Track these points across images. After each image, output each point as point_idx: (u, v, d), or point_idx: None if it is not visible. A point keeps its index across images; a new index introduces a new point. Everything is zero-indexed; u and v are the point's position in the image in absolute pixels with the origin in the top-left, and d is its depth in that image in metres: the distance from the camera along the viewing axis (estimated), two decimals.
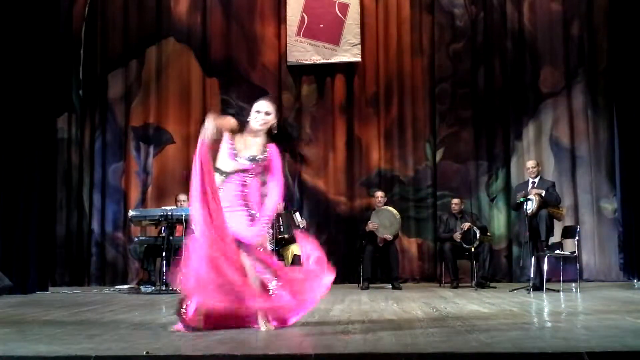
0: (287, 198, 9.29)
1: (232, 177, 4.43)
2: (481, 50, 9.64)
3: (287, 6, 9.69)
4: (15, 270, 7.80)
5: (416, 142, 9.63)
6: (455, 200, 8.82)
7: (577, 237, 7.93)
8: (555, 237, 7.92)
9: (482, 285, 8.11)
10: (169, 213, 7.81)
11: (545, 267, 7.56)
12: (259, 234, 4.44)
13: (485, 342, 3.75)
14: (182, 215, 7.52)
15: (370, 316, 5.25)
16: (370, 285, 8.43)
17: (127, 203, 9.50)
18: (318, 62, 9.64)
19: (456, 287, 8.31)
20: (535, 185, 7.89)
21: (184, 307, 4.42)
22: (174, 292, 6.50)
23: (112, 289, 8.61)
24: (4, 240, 7.91)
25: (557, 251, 7.83)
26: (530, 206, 7.58)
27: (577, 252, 7.89)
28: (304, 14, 9.64)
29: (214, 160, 4.45)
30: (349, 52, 9.59)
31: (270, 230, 8.28)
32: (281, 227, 8.46)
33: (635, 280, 8.29)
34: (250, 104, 4.62)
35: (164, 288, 7.68)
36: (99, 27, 9.81)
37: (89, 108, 9.74)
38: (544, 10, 9.61)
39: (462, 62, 9.67)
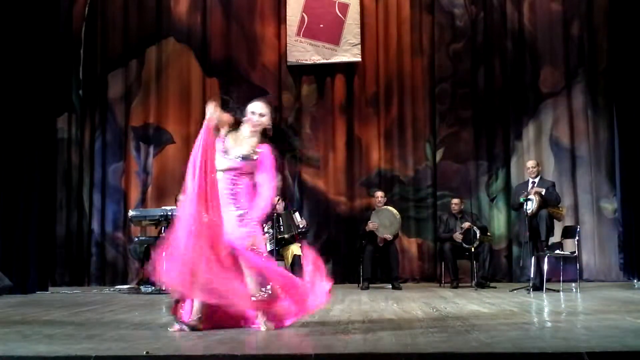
0: (287, 198, 9.31)
1: (223, 175, 4.43)
2: (481, 50, 9.64)
3: (287, 6, 9.68)
4: (15, 270, 7.81)
5: (416, 142, 9.62)
6: (455, 200, 8.82)
7: (577, 237, 7.94)
8: (555, 237, 7.92)
9: (482, 285, 8.11)
10: (169, 213, 7.81)
11: (545, 267, 7.56)
12: (249, 234, 4.39)
13: (485, 342, 3.75)
14: None
15: (370, 316, 5.25)
16: (370, 285, 8.43)
17: (127, 203, 9.49)
18: (318, 62, 9.63)
19: (456, 287, 8.31)
20: (536, 185, 7.88)
21: (179, 306, 4.44)
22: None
23: (112, 289, 8.61)
24: (4, 240, 7.92)
25: (557, 251, 7.84)
26: (531, 206, 7.58)
27: (577, 252, 7.90)
28: (304, 14, 9.64)
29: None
30: (349, 52, 9.59)
31: (271, 230, 8.36)
32: (281, 227, 8.46)
33: (635, 280, 8.29)
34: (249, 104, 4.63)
35: (163, 288, 7.67)
36: (99, 27, 9.80)
37: (89, 108, 9.73)
38: (544, 10, 9.61)
39: (462, 62, 9.67)
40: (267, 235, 8.47)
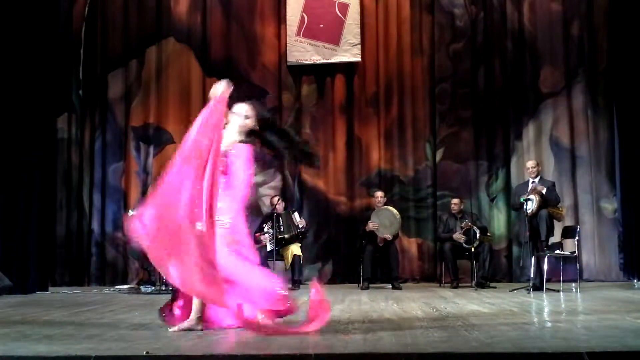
0: (287, 198, 9.31)
1: None
2: (481, 50, 9.64)
3: (287, 6, 9.68)
4: (15, 270, 7.81)
5: (416, 142, 9.62)
6: (455, 200, 8.82)
7: (577, 237, 7.94)
8: (555, 237, 7.92)
9: (482, 285, 8.10)
10: None
11: (545, 267, 7.56)
12: (222, 235, 4.27)
13: (485, 342, 3.75)
14: None
15: (370, 316, 5.25)
16: (370, 285, 8.43)
17: (127, 203, 9.49)
18: (318, 62, 9.63)
19: (456, 287, 8.31)
20: (536, 185, 7.88)
21: (170, 308, 4.45)
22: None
23: (112, 289, 8.61)
24: (4, 240, 7.92)
25: (557, 251, 7.84)
26: (531, 206, 7.58)
27: (577, 252, 7.90)
28: (304, 14, 9.64)
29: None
30: (349, 52, 9.59)
31: (271, 230, 8.36)
32: (281, 227, 8.47)
33: (635, 280, 8.29)
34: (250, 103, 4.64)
35: (164, 288, 7.68)
36: (99, 27, 9.80)
37: (89, 108, 9.73)
38: (544, 10, 9.60)
39: (462, 62, 9.67)
40: (267, 235, 8.49)
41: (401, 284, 8.50)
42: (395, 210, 8.66)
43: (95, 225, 9.52)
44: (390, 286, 8.41)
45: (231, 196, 4.38)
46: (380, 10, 9.77)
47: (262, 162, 8.91)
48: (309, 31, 9.61)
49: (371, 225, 8.49)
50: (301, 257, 8.58)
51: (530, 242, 7.62)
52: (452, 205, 8.81)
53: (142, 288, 8.14)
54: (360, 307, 6.04)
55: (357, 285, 8.61)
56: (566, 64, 9.51)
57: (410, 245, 9.43)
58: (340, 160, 9.62)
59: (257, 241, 8.61)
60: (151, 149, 9.65)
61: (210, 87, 4.62)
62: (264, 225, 8.61)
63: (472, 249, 8.25)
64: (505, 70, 9.60)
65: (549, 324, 4.79)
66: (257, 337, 4.06)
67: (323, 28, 9.62)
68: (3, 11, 8.05)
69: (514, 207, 8.30)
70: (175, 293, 4.57)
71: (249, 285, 4.30)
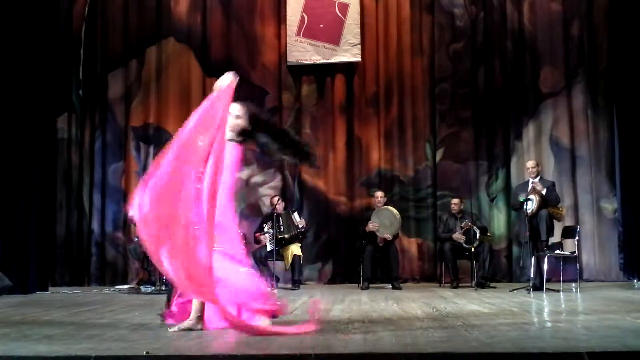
0: (287, 198, 9.32)
1: None
2: (481, 50, 9.64)
3: (287, 6, 9.68)
4: (15, 270, 7.81)
5: (416, 142, 9.62)
6: (455, 200, 8.81)
7: (577, 237, 7.94)
8: (555, 237, 7.92)
9: (482, 285, 8.11)
10: None
11: (545, 267, 7.56)
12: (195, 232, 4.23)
13: (485, 342, 3.75)
14: None
15: (370, 316, 5.25)
16: (370, 285, 8.43)
17: (127, 203, 9.47)
18: (318, 62, 9.63)
19: (456, 287, 8.31)
20: (536, 185, 7.88)
21: (172, 303, 4.45)
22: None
23: (112, 289, 8.61)
24: (4, 240, 7.92)
25: (557, 251, 7.84)
26: (531, 206, 7.59)
27: (577, 252, 7.90)
28: (304, 14, 9.64)
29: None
30: (349, 52, 9.59)
31: (271, 230, 8.37)
32: (281, 227, 8.47)
33: (635, 280, 8.30)
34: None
35: (163, 288, 7.68)
36: (99, 27, 9.80)
37: (89, 108, 9.73)
38: (544, 10, 9.60)
39: (462, 62, 9.66)
40: (267, 235, 8.49)
41: (401, 284, 8.50)
42: (395, 210, 8.66)
43: (95, 225, 9.53)
44: (390, 286, 8.41)
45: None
46: (380, 10, 9.77)
47: (253, 162, 8.94)
48: (309, 31, 9.61)
49: (371, 226, 8.48)
50: (301, 257, 8.58)
51: (530, 242, 7.62)
52: (452, 205, 8.81)
53: (142, 288, 8.14)
54: (360, 307, 6.04)
55: (357, 285, 8.61)
56: (566, 64, 9.51)
57: (410, 245, 9.43)
58: (340, 160, 9.62)
59: (257, 241, 8.62)
60: (151, 149, 9.65)
61: (211, 87, 4.63)
62: (264, 225, 8.61)
63: (472, 249, 8.25)
64: (505, 70, 9.60)
65: (549, 324, 4.79)
66: (253, 337, 4.06)
67: (323, 28, 9.62)
68: (3, 11, 8.05)
69: (514, 207, 8.31)
70: (169, 294, 4.59)
71: (235, 285, 4.30)
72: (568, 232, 8.09)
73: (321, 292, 7.98)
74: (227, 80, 4.45)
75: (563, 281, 7.84)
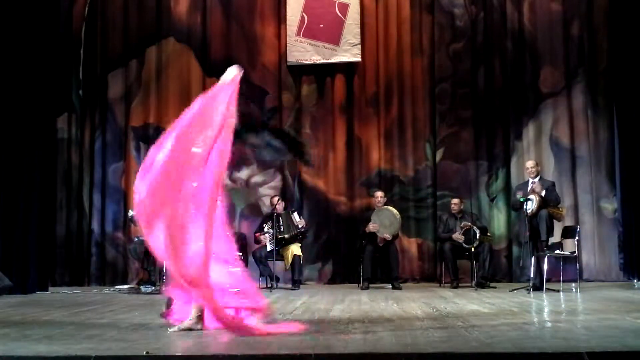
0: (287, 198, 9.32)
1: None
2: (481, 50, 9.64)
3: (287, 6, 9.68)
4: (15, 270, 7.81)
5: (416, 142, 9.62)
6: (455, 200, 8.81)
7: (577, 237, 7.94)
8: (555, 237, 7.92)
9: (482, 285, 8.10)
10: None
11: (545, 267, 7.56)
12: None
13: (485, 342, 3.76)
14: None
15: (370, 316, 5.25)
16: (370, 285, 8.42)
17: (127, 203, 9.48)
18: (318, 62, 9.63)
19: (456, 287, 8.30)
20: (535, 185, 7.87)
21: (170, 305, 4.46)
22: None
23: (112, 289, 8.61)
24: (4, 240, 7.92)
25: (557, 251, 7.83)
26: (530, 206, 7.58)
27: (577, 252, 7.90)
28: (304, 14, 9.64)
29: None
30: (349, 52, 9.59)
31: (271, 230, 8.36)
32: (281, 227, 8.47)
33: (635, 280, 8.30)
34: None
35: (164, 288, 7.68)
36: (99, 27, 9.80)
37: (89, 108, 9.73)
38: (544, 10, 9.60)
39: (462, 62, 9.66)
40: (267, 235, 8.49)
41: (401, 284, 8.50)
42: (395, 211, 8.65)
43: (95, 225, 9.52)
44: (390, 286, 8.41)
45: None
46: (380, 10, 9.77)
47: (253, 162, 8.91)
48: (309, 31, 9.61)
49: (372, 227, 8.48)
50: (301, 257, 8.58)
51: (530, 242, 7.62)
52: (452, 205, 8.81)
53: (142, 288, 8.14)
54: (360, 307, 6.04)
55: (357, 285, 8.61)
56: (566, 64, 9.50)
57: (410, 245, 9.43)
58: (340, 160, 9.62)
59: (257, 241, 8.63)
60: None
61: (210, 87, 4.64)
62: (264, 225, 8.61)
63: (472, 249, 8.24)
64: (505, 70, 9.60)
65: (549, 324, 4.79)
66: (252, 337, 4.06)
67: (323, 28, 9.62)
68: (3, 11, 8.05)
69: (514, 207, 8.31)
70: (169, 300, 4.59)
71: (224, 285, 4.30)
72: (568, 232, 8.09)
73: (321, 292, 7.98)
74: (232, 74, 4.45)
75: (563, 281, 7.84)
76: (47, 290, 8.31)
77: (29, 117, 8.16)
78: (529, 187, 7.87)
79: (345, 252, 9.36)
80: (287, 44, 9.64)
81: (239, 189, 9.55)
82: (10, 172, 8.02)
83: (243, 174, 9.56)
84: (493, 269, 8.84)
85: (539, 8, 9.60)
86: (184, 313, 4.40)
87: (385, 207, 8.71)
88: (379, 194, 8.84)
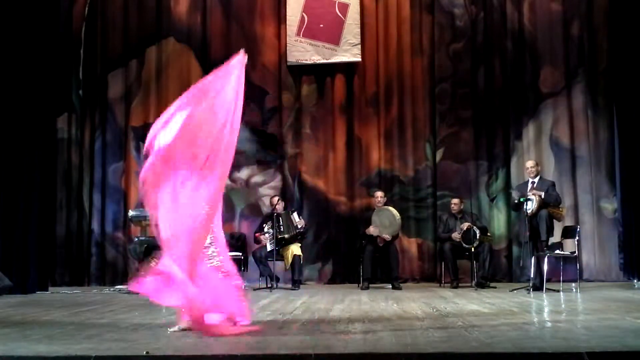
0: (287, 198, 9.32)
1: None
2: (481, 50, 9.64)
3: (287, 6, 9.68)
4: (15, 270, 7.82)
5: (416, 142, 9.62)
6: (455, 200, 8.81)
7: (577, 237, 7.94)
8: (555, 237, 7.92)
9: (482, 285, 8.10)
10: None
11: (545, 267, 7.56)
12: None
13: (485, 342, 3.76)
14: None
15: (370, 316, 5.25)
16: (370, 285, 8.42)
17: (127, 203, 9.49)
18: (318, 62, 9.63)
19: (456, 287, 8.30)
20: (535, 185, 7.88)
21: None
22: None
23: (112, 289, 8.61)
24: (4, 240, 7.92)
25: (557, 251, 7.83)
26: (530, 206, 7.58)
27: (577, 252, 7.90)
28: (304, 14, 9.64)
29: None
30: (349, 52, 9.59)
31: (271, 230, 8.36)
32: (281, 227, 8.47)
33: (635, 280, 8.30)
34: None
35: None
36: (99, 27, 9.80)
37: (89, 108, 9.73)
38: (544, 10, 9.60)
39: (462, 62, 9.66)
40: (267, 235, 8.49)
41: (401, 284, 8.50)
42: (395, 211, 8.63)
43: (95, 225, 9.53)
44: (390, 286, 8.40)
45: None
46: (380, 10, 9.76)
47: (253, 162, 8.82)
48: (309, 31, 9.61)
49: (372, 230, 8.47)
50: (301, 257, 8.58)
51: (530, 242, 7.62)
52: (452, 205, 8.81)
53: None
54: (360, 307, 6.04)
55: (357, 285, 8.61)
56: (566, 64, 9.50)
57: (410, 245, 9.43)
58: (340, 160, 9.62)
59: (257, 241, 8.63)
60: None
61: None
62: (264, 225, 8.61)
63: (472, 249, 8.24)
64: (505, 70, 9.60)
65: (549, 324, 4.79)
66: (250, 338, 4.06)
67: (323, 28, 9.62)
68: (3, 11, 8.05)
69: (513, 207, 8.31)
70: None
71: (209, 292, 4.28)
72: (568, 232, 8.09)
73: (321, 292, 7.98)
74: (237, 60, 4.46)
75: (563, 281, 7.84)
76: (47, 290, 8.32)
77: (29, 117, 8.16)
78: (529, 187, 7.87)
79: (345, 252, 9.36)
80: (287, 44, 9.64)
81: (239, 189, 9.55)
82: (10, 172, 8.02)
83: (243, 174, 9.56)
84: (493, 269, 8.84)
85: (539, 8, 9.60)
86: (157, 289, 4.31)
87: (386, 207, 8.70)
88: (379, 194, 8.84)
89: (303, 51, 9.62)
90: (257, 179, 9.64)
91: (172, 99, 9.90)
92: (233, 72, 4.39)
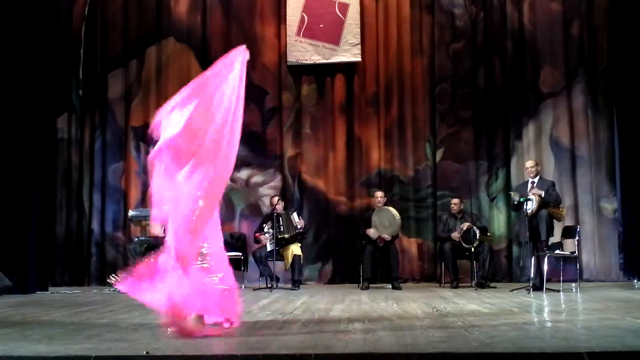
0: (287, 198, 9.32)
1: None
2: (481, 50, 9.64)
3: (287, 6, 9.68)
4: (15, 270, 7.82)
5: (416, 142, 9.62)
6: (455, 200, 8.81)
7: (577, 237, 7.94)
8: (555, 237, 7.92)
9: (482, 285, 8.10)
10: None
11: (545, 267, 7.56)
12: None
13: (485, 342, 3.76)
14: None
15: (370, 316, 5.25)
16: (370, 285, 8.42)
17: (127, 203, 9.49)
18: (318, 62, 9.63)
19: (456, 287, 8.30)
20: (535, 185, 7.88)
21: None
22: None
23: (112, 289, 8.60)
24: (4, 240, 7.93)
25: (557, 251, 7.84)
26: (530, 206, 7.58)
27: (577, 252, 7.90)
28: (304, 14, 9.64)
29: None
30: (349, 52, 9.59)
31: (271, 230, 8.36)
32: (281, 227, 8.47)
33: (635, 280, 8.30)
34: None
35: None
36: (99, 27, 9.80)
37: (89, 108, 9.73)
38: (544, 10, 9.60)
39: (462, 62, 9.66)
40: (267, 235, 8.48)
41: (401, 284, 8.50)
42: (395, 212, 8.63)
43: (95, 225, 9.53)
44: (390, 286, 8.40)
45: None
46: (380, 10, 9.77)
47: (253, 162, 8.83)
48: (309, 31, 9.61)
49: (371, 233, 8.46)
50: (301, 257, 8.58)
51: (530, 242, 7.61)
52: (452, 205, 8.81)
53: None
54: (360, 307, 6.04)
55: (357, 285, 8.61)
56: (566, 64, 9.50)
57: (410, 245, 9.43)
58: (340, 160, 9.62)
59: (257, 241, 8.63)
60: (151, 149, 9.63)
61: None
62: (264, 225, 8.61)
63: (472, 249, 8.24)
64: (505, 70, 9.60)
65: (549, 324, 4.79)
66: (249, 338, 4.06)
67: (323, 28, 9.62)
68: (3, 11, 8.05)
69: (512, 207, 8.31)
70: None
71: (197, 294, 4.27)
72: (568, 232, 8.09)
73: (321, 292, 7.98)
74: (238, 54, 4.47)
75: (563, 281, 7.84)
76: (47, 290, 8.32)
77: (29, 117, 8.16)
78: (529, 187, 7.87)
79: (345, 252, 9.36)
80: (287, 44, 9.65)
81: (239, 189, 9.55)
82: (10, 172, 8.02)
83: (243, 174, 9.56)
84: (493, 269, 8.84)
85: (539, 8, 9.60)
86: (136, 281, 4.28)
87: (386, 207, 8.70)
88: (379, 194, 8.84)
89: (303, 51, 9.62)
90: (257, 179, 9.65)
91: None
92: (233, 70, 4.39)
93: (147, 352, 3.44)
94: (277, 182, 9.63)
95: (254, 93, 9.30)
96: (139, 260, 8.42)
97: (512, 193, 7.95)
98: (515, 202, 7.79)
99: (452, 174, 9.51)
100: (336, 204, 9.55)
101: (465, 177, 9.41)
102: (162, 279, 4.10)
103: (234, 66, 4.39)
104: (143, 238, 8.78)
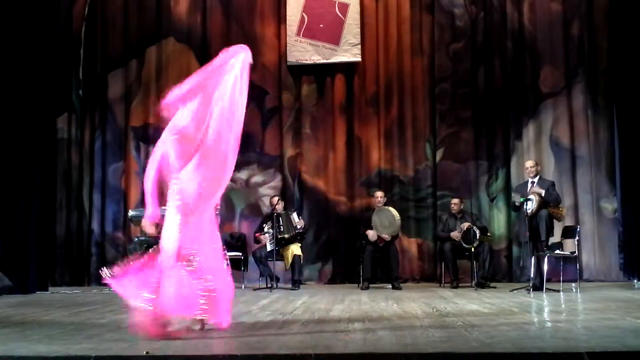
0: (287, 198, 9.32)
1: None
2: (481, 50, 9.63)
3: (287, 6, 9.68)
4: (15, 270, 7.82)
5: (416, 142, 9.62)
6: (455, 200, 8.81)
7: (577, 237, 7.94)
8: (555, 237, 7.92)
9: (482, 285, 8.10)
10: None
11: (545, 267, 7.56)
12: None
13: (485, 342, 3.76)
14: None
15: (370, 316, 5.25)
16: (370, 285, 8.42)
17: (127, 203, 9.49)
18: (318, 62, 9.63)
19: (456, 287, 8.30)
20: (535, 185, 7.88)
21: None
22: None
23: (112, 289, 8.60)
24: (4, 240, 7.93)
25: (557, 251, 7.84)
26: (530, 206, 7.58)
27: (577, 252, 7.90)
28: (304, 14, 9.64)
29: None
30: (349, 52, 9.59)
31: (271, 230, 8.36)
32: (281, 227, 8.47)
33: (635, 280, 8.30)
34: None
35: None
36: (99, 27, 9.80)
37: (89, 108, 9.73)
38: (544, 10, 9.60)
39: (462, 62, 9.66)
40: (267, 235, 8.48)
41: (401, 284, 8.50)
42: (395, 212, 8.62)
43: (95, 225, 9.53)
44: (390, 286, 8.40)
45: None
46: (380, 10, 9.76)
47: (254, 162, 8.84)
48: (309, 31, 9.61)
49: (370, 235, 8.46)
50: (301, 257, 8.58)
51: (530, 242, 7.61)
52: (452, 205, 8.81)
53: None
54: (360, 307, 6.04)
55: (357, 285, 8.61)
56: (566, 64, 9.50)
57: (410, 245, 9.43)
58: (340, 160, 9.62)
59: (257, 241, 8.62)
60: (151, 149, 9.64)
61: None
62: (264, 225, 8.61)
63: (472, 249, 8.24)
64: (505, 70, 9.60)
65: (549, 324, 4.80)
66: (247, 338, 4.06)
67: (323, 28, 9.62)
68: (3, 11, 8.05)
69: (513, 208, 8.30)
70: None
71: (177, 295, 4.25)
72: (568, 232, 8.09)
73: (321, 292, 7.98)
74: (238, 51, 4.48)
75: (563, 281, 7.84)
76: (47, 290, 8.32)
77: (29, 117, 8.16)
78: (529, 187, 7.87)
79: (345, 252, 9.36)
80: (287, 44, 9.65)
81: (239, 189, 9.55)
82: (10, 172, 8.02)
83: (243, 174, 9.56)
84: (493, 269, 8.84)
85: (539, 8, 9.60)
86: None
87: (385, 207, 8.70)
88: (379, 194, 8.84)
89: (303, 51, 9.62)
90: (257, 179, 9.65)
91: None
92: (232, 70, 4.39)
93: (147, 352, 3.44)
94: (277, 182, 9.63)
95: (254, 93, 9.21)
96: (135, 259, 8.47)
97: (513, 194, 7.93)
98: (517, 204, 7.79)
99: (452, 174, 9.51)
100: (336, 204, 9.55)
101: (465, 177, 9.41)
102: (151, 278, 4.11)
103: (233, 66, 4.38)
104: (143, 238, 8.76)
